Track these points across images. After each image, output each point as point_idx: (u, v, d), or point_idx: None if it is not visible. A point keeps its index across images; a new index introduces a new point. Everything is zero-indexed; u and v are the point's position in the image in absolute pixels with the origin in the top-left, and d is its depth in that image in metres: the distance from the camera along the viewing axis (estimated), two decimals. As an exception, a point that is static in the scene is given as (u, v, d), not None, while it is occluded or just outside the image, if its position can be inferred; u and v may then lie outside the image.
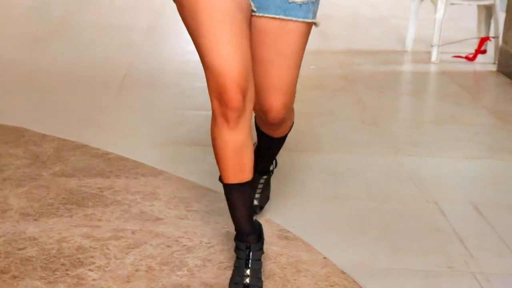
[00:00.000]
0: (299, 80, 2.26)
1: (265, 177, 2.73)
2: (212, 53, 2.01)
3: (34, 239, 2.50)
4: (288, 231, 2.62)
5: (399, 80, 5.03)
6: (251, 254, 2.18)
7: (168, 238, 2.54)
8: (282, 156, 3.32)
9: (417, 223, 2.77)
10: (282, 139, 2.58)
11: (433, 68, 5.26)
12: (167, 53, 5.43)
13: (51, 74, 4.61)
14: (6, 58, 4.99)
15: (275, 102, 2.26)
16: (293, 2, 2.14)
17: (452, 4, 5.44)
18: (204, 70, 2.06)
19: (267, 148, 2.61)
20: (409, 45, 5.72)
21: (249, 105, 2.09)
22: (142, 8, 7.08)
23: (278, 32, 2.17)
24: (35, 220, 2.64)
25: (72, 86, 4.39)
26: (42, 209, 2.73)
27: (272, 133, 2.49)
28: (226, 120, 2.06)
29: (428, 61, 5.38)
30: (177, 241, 2.53)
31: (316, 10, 2.22)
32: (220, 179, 2.18)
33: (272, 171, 2.76)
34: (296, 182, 3.09)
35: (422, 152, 3.52)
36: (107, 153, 3.29)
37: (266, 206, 2.77)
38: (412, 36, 5.71)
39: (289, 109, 2.33)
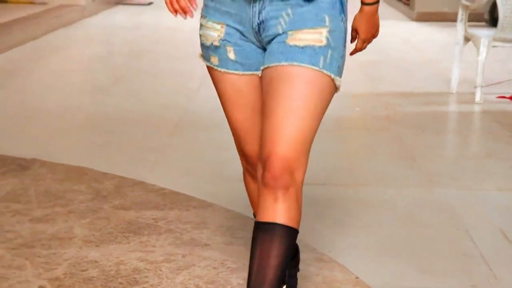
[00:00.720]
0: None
1: None
2: (235, 130, 2.26)
3: (96, 262, 2.80)
4: (325, 255, 2.87)
5: (442, 119, 5.24)
6: (286, 271, 2.42)
7: (214, 261, 2.81)
8: (321, 190, 3.58)
9: (446, 247, 2.98)
10: (285, 236, 2.03)
11: (476, 108, 5.45)
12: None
13: (112, 118, 4.97)
14: (71, 104, 5.38)
15: (275, 149, 1.97)
16: (294, 46, 2.02)
17: (494, 46, 5.64)
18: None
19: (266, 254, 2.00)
20: (454, 87, 5.92)
21: None
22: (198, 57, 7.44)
23: (283, 78, 2.00)
24: (97, 246, 2.94)
25: (131, 128, 4.73)
26: (103, 237, 3.03)
27: (273, 210, 2.00)
28: (251, 174, 2.33)
29: (472, 101, 5.57)
30: (222, 263, 2.79)
31: (332, 61, 2.02)
32: (254, 215, 2.44)
33: None
34: (334, 212, 3.34)
35: (457, 185, 3.73)
36: (162, 189, 3.59)
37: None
38: (457, 78, 5.92)
39: (292, 169, 1.98)
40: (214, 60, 2.17)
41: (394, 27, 9.82)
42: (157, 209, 3.34)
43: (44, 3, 10.02)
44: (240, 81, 2.16)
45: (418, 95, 5.85)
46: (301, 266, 2.51)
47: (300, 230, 3.00)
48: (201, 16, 2.20)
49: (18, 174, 3.75)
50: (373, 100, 5.65)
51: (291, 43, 2.02)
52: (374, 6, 2.11)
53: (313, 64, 2.00)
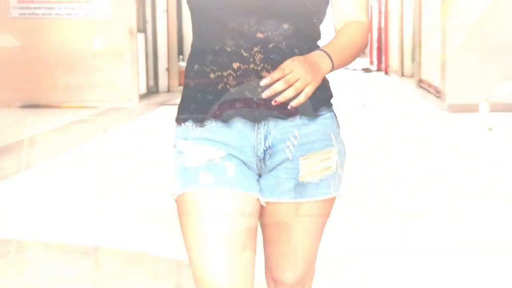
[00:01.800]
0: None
1: None
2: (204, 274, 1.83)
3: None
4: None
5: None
6: None
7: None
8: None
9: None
10: None
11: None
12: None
13: (164, 209, 5.40)
14: (127, 196, 5.84)
15: (284, 278, 2.02)
16: (309, 183, 1.89)
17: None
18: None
19: None
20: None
21: None
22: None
23: (291, 215, 1.91)
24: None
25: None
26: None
27: None
28: None
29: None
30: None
31: (340, 180, 1.96)
32: None
33: None
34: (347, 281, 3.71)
35: None
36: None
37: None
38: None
39: (303, 283, 2.07)
40: (207, 178, 1.78)
41: (425, 119, 10.22)
42: None
43: (95, 107, 10.69)
44: (242, 202, 1.81)
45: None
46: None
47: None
48: (183, 143, 1.86)
49: (82, 260, 4.19)
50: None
51: (305, 180, 1.89)
52: (327, 57, 1.79)
53: (326, 194, 1.94)
